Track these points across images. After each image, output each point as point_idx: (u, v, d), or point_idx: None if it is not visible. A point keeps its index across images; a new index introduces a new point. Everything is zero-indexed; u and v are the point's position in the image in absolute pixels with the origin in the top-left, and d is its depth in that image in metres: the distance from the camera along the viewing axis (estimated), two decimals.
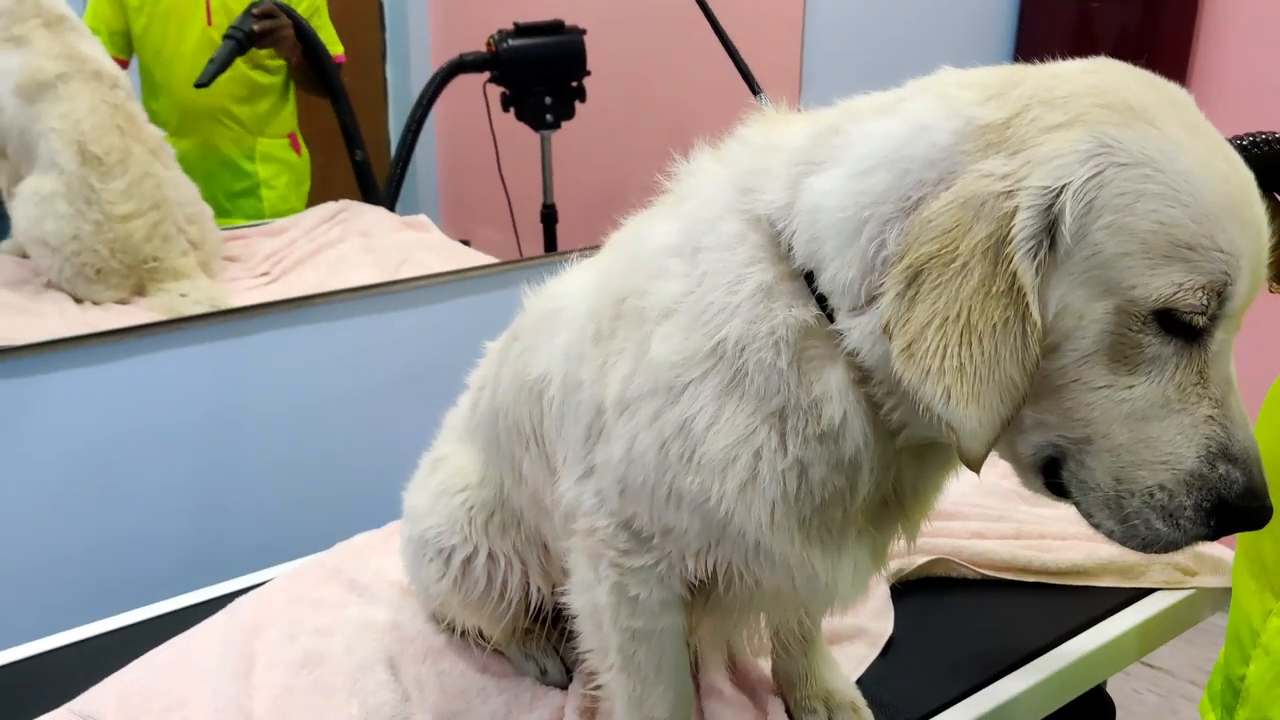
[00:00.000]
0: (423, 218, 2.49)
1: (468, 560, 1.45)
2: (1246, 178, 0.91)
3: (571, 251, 1.35)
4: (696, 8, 2.38)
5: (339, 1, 2.33)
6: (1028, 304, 0.86)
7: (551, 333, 1.26)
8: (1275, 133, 1.30)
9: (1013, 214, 0.86)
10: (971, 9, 3.12)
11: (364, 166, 2.43)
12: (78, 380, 1.92)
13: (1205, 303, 0.86)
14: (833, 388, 1.00)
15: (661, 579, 1.17)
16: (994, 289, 0.87)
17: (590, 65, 2.51)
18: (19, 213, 2.00)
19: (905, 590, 1.66)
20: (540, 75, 2.49)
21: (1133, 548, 0.94)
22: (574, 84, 2.52)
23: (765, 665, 1.49)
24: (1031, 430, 0.94)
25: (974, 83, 0.95)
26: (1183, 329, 0.88)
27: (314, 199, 2.42)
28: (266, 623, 1.62)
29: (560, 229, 2.61)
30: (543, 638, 1.51)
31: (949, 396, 0.88)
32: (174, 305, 2.06)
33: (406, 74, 2.49)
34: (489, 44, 2.43)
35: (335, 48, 2.34)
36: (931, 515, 1.20)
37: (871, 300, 0.94)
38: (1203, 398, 0.90)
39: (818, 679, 1.42)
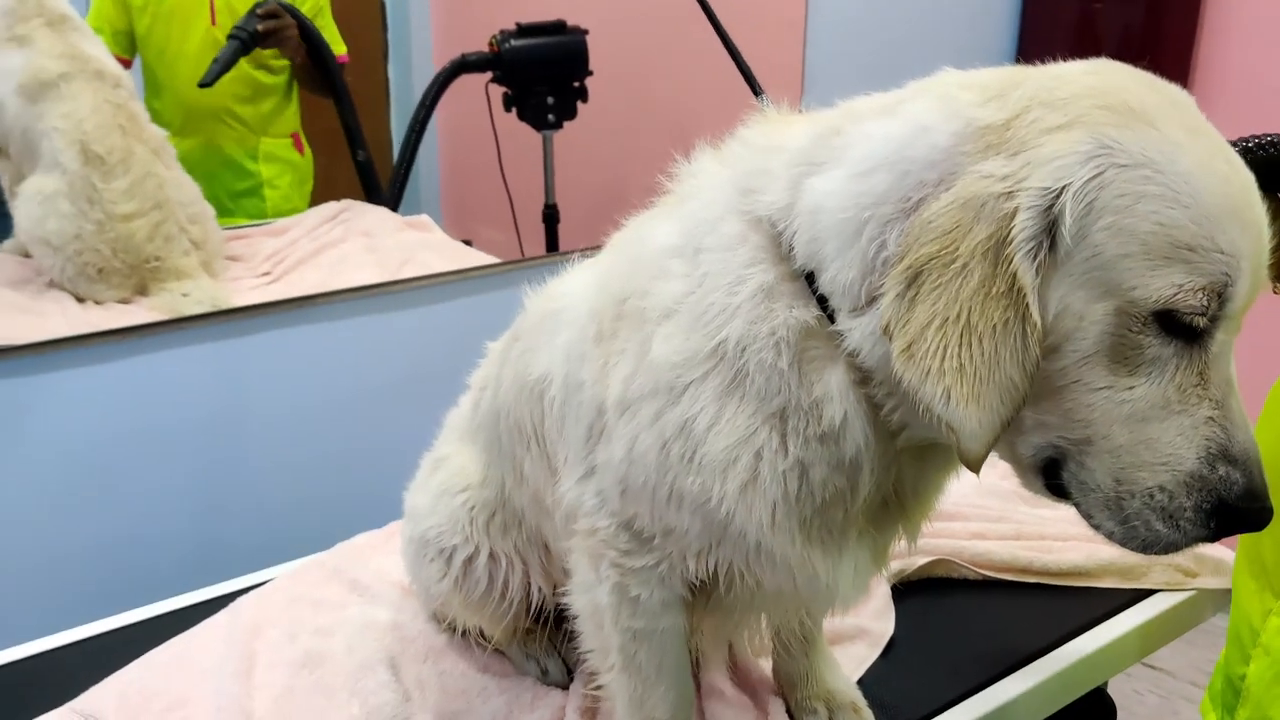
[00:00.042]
0: (425, 218, 2.49)
1: (469, 560, 1.45)
2: (1247, 179, 0.91)
3: (573, 252, 1.35)
4: (698, 8, 2.38)
5: (341, 1, 2.33)
6: (1028, 305, 0.86)
7: (553, 333, 1.26)
8: (1278, 135, 1.30)
9: (1013, 215, 0.86)
10: (974, 9, 3.12)
11: (367, 166, 2.43)
12: (80, 379, 1.93)
13: (1205, 304, 0.86)
14: (833, 388, 1.00)
15: (662, 579, 1.17)
16: (994, 290, 0.87)
17: (592, 65, 2.51)
18: (21, 212, 2.00)
19: (906, 591, 1.66)
20: (542, 75, 2.49)
21: (1133, 549, 0.94)
22: (576, 84, 2.52)
23: (766, 665, 1.49)
24: (1032, 431, 0.94)
25: (974, 84, 0.95)
26: (1183, 330, 0.88)
27: (317, 199, 2.42)
28: (267, 622, 1.62)
29: (562, 229, 2.61)
30: (544, 638, 1.51)
31: (949, 397, 0.88)
32: (176, 305, 2.06)
33: (408, 74, 2.49)
34: (491, 44, 2.43)
35: (339, 47, 2.34)
36: (932, 516, 1.20)
37: (872, 301, 0.94)
38: (1203, 399, 0.90)
39: (819, 679, 1.42)
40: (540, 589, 1.45)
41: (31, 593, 1.92)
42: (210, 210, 2.19)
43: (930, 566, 1.69)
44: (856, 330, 0.96)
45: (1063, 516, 1.58)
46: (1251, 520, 0.92)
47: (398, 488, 1.60)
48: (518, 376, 1.33)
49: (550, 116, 2.51)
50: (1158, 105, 0.89)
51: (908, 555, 1.52)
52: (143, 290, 2.08)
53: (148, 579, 1.93)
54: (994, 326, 0.87)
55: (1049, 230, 0.87)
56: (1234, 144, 1.24)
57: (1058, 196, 0.86)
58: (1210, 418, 0.90)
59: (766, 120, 1.12)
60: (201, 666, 1.53)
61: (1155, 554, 0.94)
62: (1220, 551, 1.66)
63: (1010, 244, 0.86)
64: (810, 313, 1.00)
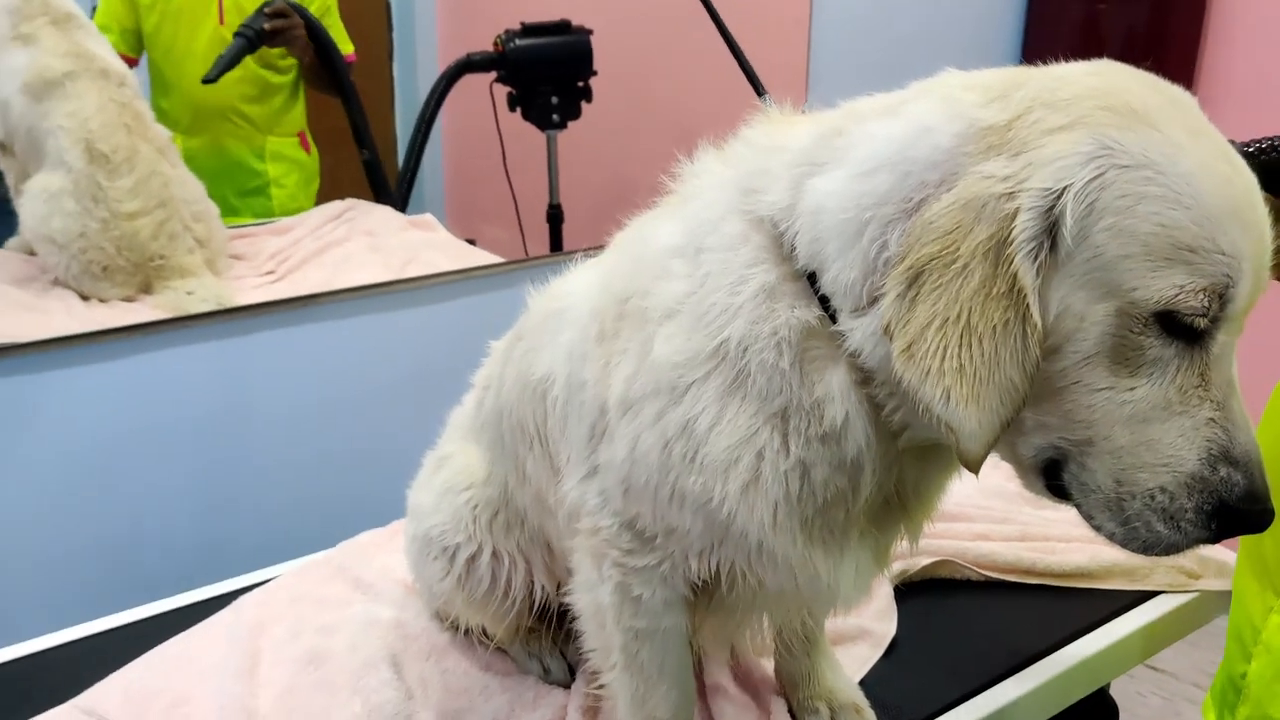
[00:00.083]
0: (428, 217, 2.50)
1: (472, 558, 1.45)
2: (1249, 180, 0.91)
3: (577, 251, 1.36)
4: (702, 8, 2.38)
5: (347, 1, 2.34)
6: (1028, 306, 0.86)
7: (555, 332, 1.26)
8: None
9: (1014, 216, 0.86)
10: (978, 10, 3.12)
11: (374, 165, 2.43)
12: (84, 377, 1.93)
13: (1206, 305, 0.86)
14: (835, 389, 1.00)
15: (665, 579, 1.17)
16: (994, 290, 0.87)
17: (596, 65, 2.51)
18: (26, 210, 2.01)
19: (909, 591, 1.66)
20: (547, 75, 2.50)
21: (1134, 550, 0.94)
22: (580, 84, 2.52)
23: (768, 665, 1.49)
24: (1032, 432, 0.94)
25: (977, 84, 0.95)
26: (1184, 331, 0.88)
27: (323, 198, 2.42)
28: (271, 620, 1.62)
29: (566, 229, 2.61)
30: (546, 637, 1.51)
31: (948, 397, 0.88)
32: (180, 303, 2.07)
33: (413, 74, 2.50)
34: (496, 44, 2.43)
35: (346, 47, 2.35)
36: (934, 516, 1.20)
37: (873, 301, 0.94)
38: (1204, 400, 0.90)
39: (821, 679, 1.42)
40: (543, 588, 1.46)
41: (35, 589, 1.93)
42: (214, 209, 2.20)
43: (933, 567, 1.69)
44: (858, 330, 0.96)
45: (1066, 518, 1.57)
46: (1252, 522, 0.92)
47: (401, 486, 1.60)
48: (521, 376, 1.33)
49: (554, 116, 2.52)
50: (1160, 106, 0.89)
51: (910, 556, 1.53)
52: (147, 288, 2.08)
53: (151, 576, 1.93)
54: (994, 327, 0.87)
55: (1050, 231, 0.87)
56: (1240, 147, 1.24)
57: (1059, 197, 0.86)
58: (1211, 419, 0.90)
59: (769, 120, 1.12)
60: (205, 664, 1.53)
61: (1156, 555, 0.94)
62: (1223, 553, 1.66)
63: (1011, 244, 0.86)
64: (812, 313, 1.00)
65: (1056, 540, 1.73)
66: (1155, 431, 0.90)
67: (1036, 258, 0.87)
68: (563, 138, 2.54)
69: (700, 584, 1.18)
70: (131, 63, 2.14)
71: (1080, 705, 1.56)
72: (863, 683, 1.47)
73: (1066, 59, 0.98)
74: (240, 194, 2.33)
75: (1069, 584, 1.67)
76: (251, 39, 2.20)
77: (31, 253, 2.04)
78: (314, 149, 2.41)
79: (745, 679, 1.49)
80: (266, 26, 2.21)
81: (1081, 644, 1.55)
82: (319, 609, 1.65)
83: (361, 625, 1.60)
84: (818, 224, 0.98)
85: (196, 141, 2.24)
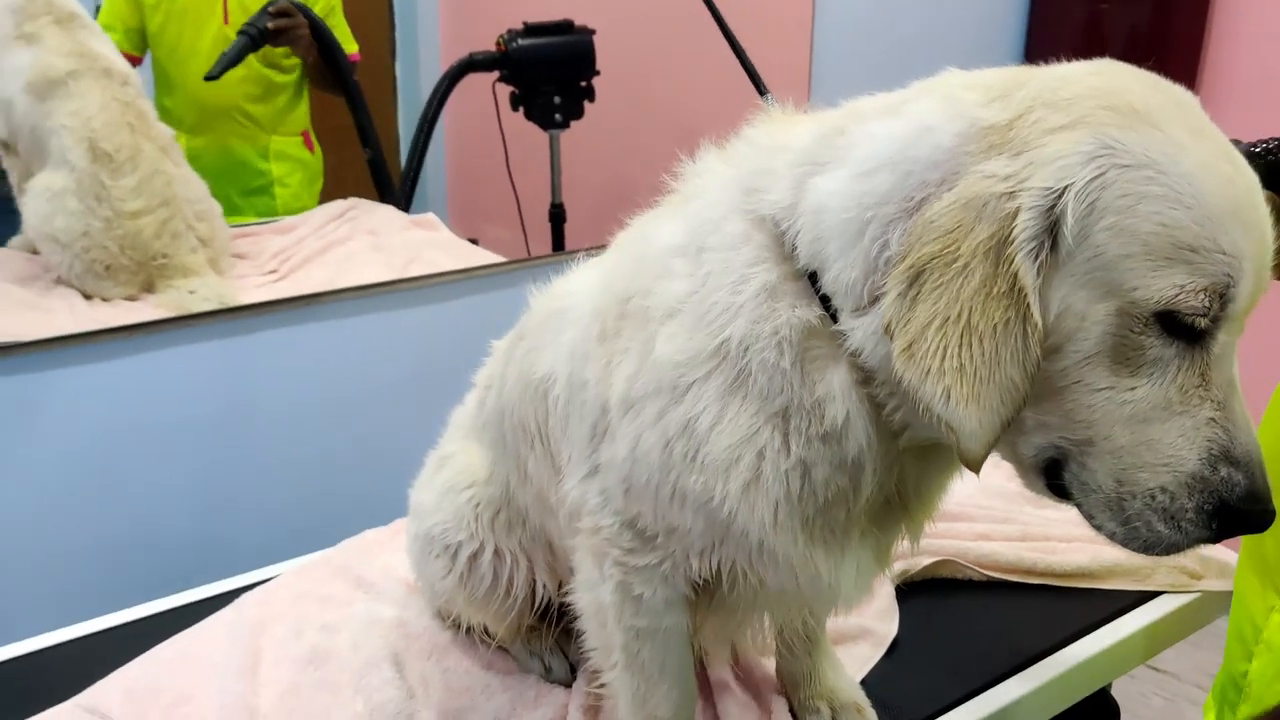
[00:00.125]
0: (431, 216, 2.50)
1: (474, 557, 1.45)
2: (1251, 180, 0.91)
3: (579, 251, 1.36)
4: (705, 9, 2.38)
5: (350, 1, 2.34)
6: (1029, 305, 0.86)
7: (557, 332, 1.26)
8: None
9: (1014, 215, 0.86)
10: (981, 10, 3.12)
11: (378, 165, 2.43)
12: (86, 376, 1.93)
13: (1207, 305, 0.86)
14: (835, 388, 1.00)
15: (666, 578, 1.17)
16: (995, 290, 0.87)
17: (599, 65, 2.51)
18: (30, 209, 2.01)
19: (910, 591, 1.66)
20: (549, 75, 2.50)
21: (1134, 549, 0.94)
22: (583, 84, 2.52)
23: (769, 665, 1.49)
24: (1033, 431, 0.94)
25: (978, 84, 0.95)
26: (1185, 331, 0.88)
27: (326, 197, 2.43)
28: (273, 619, 1.63)
29: (568, 228, 2.61)
30: (548, 635, 1.51)
31: (949, 397, 0.88)
32: (182, 302, 2.07)
33: (416, 73, 2.50)
34: (499, 43, 2.43)
35: (350, 46, 2.35)
36: (935, 516, 1.20)
37: (874, 301, 0.94)
38: (1205, 400, 0.90)
39: (822, 679, 1.42)
40: (544, 586, 1.46)
41: (38, 588, 1.93)
42: (217, 208, 2.20)
43: (935, 567, 1.69)
44: (859, 330, 0.96)
45: (1067, 518, 1.56)
46: (1253, 522, 0.92)
47: (403, 485, 1.60)
48: (522, 375, 1.33)
49: (557, 116, 2.52)
50: (1161, 106, 0.89)
51: (911, 555, 1.52)
52: (150, 287, 2.09)
53: (154, 575, 1.93)
54: (995, 326, 0.87)
55: (1051, 230, 0.87)
56: (1245, 148, 1.24)
57: (1059, 197, 0.86)
58: (1212, 419, 0.90)
59: (771, 120, 1.12)
60: (207, 662, 1.53)
61: (1157, 555, 0.94)
62: (1225, 554, 1.66)
63: (1012, 244, 0.86)
64: (813, 312, 1.00)
65: (1058, 540, 1.73)
66: (1156, 431, 0.90)
67: (1037, 257, 0.87)
68: (565, 137, 2.54)
69: (701, 583, 1.18)
70: (135, 61, 2.14)
71: (1082, 706, 1.56)
72: (864, 682, 1.47)
73: (1069, 59, 0.98)
74: (244, 193, 2.33)
75: (1070, 584, 1.67)
76: (255, 37, 2.20)
77: (34, 251, 2.04)
78: (318, 148, 2.41)
79: (746, 678, 1.49)
80: (270, 25, 2.21)
81: (1083, 644, 1.55)
82: (321, 608, 1.65)
83: (363, 624, 1.60)
84: (819, 223, 0.98)
85: (200, 141, 2.24)
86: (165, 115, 2.16)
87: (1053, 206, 0.86)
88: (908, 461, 1.07)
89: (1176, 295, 0.86)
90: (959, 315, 0.87)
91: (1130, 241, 0.86)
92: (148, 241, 2.06)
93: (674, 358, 1.04)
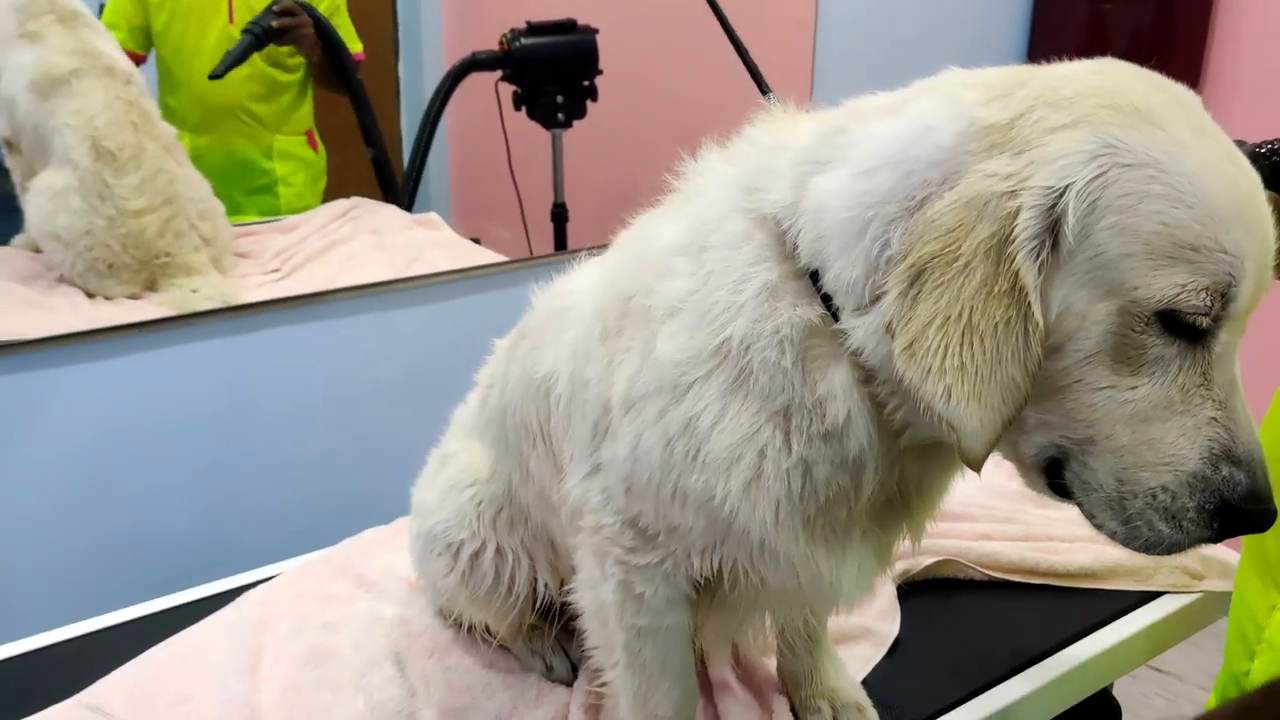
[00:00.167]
0: (433, 215, 2.50)
1: (476, 555, 1.45)
2: (1253, 180, 0.90)
3: (581, 250, 1.36)
4: (708, 8, 2.38)
5: (353, 0, 2.34)
6: (1030, 304, 0.86)
7: (559, 331, 1.26)
8: None
9: (1016, 214, 0.86)
10: (984, 10, 3.12)
11: (383, 164, 2.44)
12: (89, 375, 1.94)
13: (1209, 304, 0.86)
14: (837, 387, 1.00)
15: (667, 577, 1.17)
16: (996, 289, 0.87)
17: (602, 65, 2.51)
18: (32, 207, 2.01)
19: (912, 591, 1.66)
20: (552, 74, 2.50)
21: (1135, 549, 0.94)
22: (586, 83, 2.52)
23: (771, 664, 1.49)
24: (1034, 430, 0.94)
25: (979, 83, 0.95)
26: (1186, 330, 0.88)
27: (329, 196, 2.43)
28: (274, 617, 1.63)
29: (571, 227, 2.62)
30: (549, 634, 1.52)
31: (950, 396, 0.88)
32: (185, 301, 2.07)
33: (419, 72, 2.50)
34: (501, 43, 2.43)
35: (354, 45, 2.35)
36: (937, 515, 1.20)
37: (875, 299, 0.94)
38: (1206, 399, 0.90)
39: (823, 678, 1.42)
40: (546, 584, 1.46)
41: (39, 586, 1.93)
42: (220, 206, 2.20)
43: (936, 567, 1.69)
44: (860, 329, 0.96)
45: (1069, 518, 1.56)
46: (1255, 521, 0.92)
47: (405, 484, 1.60)
48: (524, 374, 1.33)
49: (560, 115, 2.52)
50: (1163, 105, 0.89)
51: (913, 555, 1.52)
52: (152, 286, 2.09)
53: (155, 573, 1.94)
54: (996, 325, 0.87)
55: (1052, 229, 0.86)
56: (1250, 148, 1.24)
57: (1060, 196, 0.86)
58: (1213, 418, 0.90)
59: (773, 119, 1.12)
60: (208, 661, 1.53)
61: (1158, 554, 0.94)
62: (1227, 554, 1.66)
63: (1013, 243, 0.86)
64: (814, 311, 1.00)
65: (1060, 540, 1.73)
66: (1157, 430, 0.90)
67: (1038, 256, 0.86)
68: (568, 137, 2.54)
69: (702, 582, 1.18)
70: (139, 60, 2.15)
71: (1083, 706, 1.56)
72: (865, 682, 1.47)
73: (1071, 59, 0.98)
74: (248, 192, 2.34)
75: (1072, 584, 1.67)
76: (259, 36, 2.21)
77: (37, 250, 2.04)
78: (321, 147, 2.41)
79: (748, 677, 1.49)
80: (275, 24, 2.22)
81: (1085, 644, 1.55)
82: (322, 606, 1.65)
83: (364, 623, 1.60)
84: (820, 222, 0.98)
85: (204, 139, 2.25)
86: (169, 114, 2.16)
87: (1054, 205, 0.86)
88: (909, 460, 1.07)
89: (1178, 294, 0.86)
90: (960, 314, 0.87)
91: (1132, 240, 0.86)
92: (150, 240, 2.06)
93: (675, 356, 1.04)
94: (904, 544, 1.19)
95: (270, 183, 2.35)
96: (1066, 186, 0.86)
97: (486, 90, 2.48)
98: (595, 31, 2.50)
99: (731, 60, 2.38)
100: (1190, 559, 1.67)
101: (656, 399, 1.06)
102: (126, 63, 2.06)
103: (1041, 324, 0.87)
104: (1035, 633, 1.56)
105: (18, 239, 2.06)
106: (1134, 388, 0.89)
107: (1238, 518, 0.91)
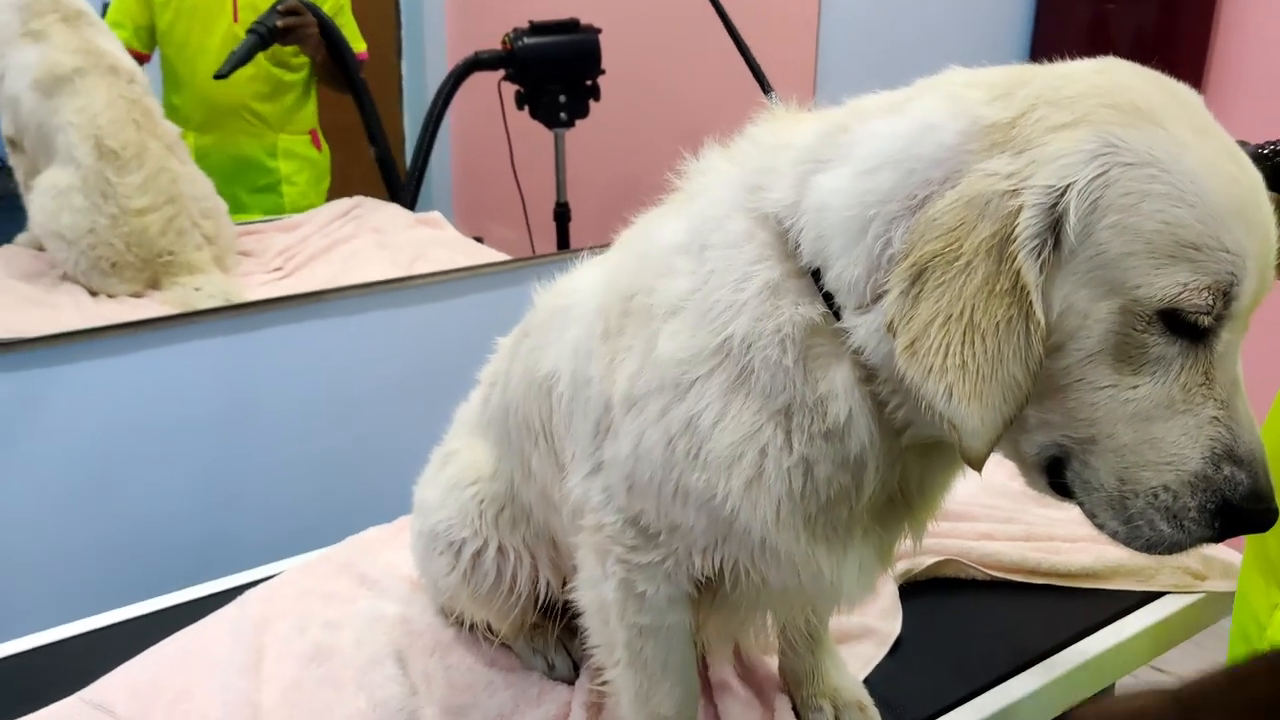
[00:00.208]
0: (436, 214, 2.50)
1: (478, 553, 1.45)
2: (1255, 178, 0.90)
3: (583, 249, 1.36)
4: (711, 8, 2.38)
5: None
6: (1031, 303, 0.86)
7: (561, 329, 1.26)
8: None
9: (1017, 213, 0.86)
10: (987, 10, 3.12)
11: (387, 163, 2.44)
12: (91, 373, 1.94)
13: (1210, 303, 0.86)
14: (838, 385, 1.00)
15: (668, 575, 1.17)
16: (997, 287, 0.87)
17: (605, 64, 2.51)
18: (36, 206, 2.02)
19: (914, 590, 1.66)
20: (555, 74, 2.50)
21: (1136, 549, 0.94)
22: (588, 82, 2.52)
23: (772, 663, 1.49)
24: (1036, 430, 0.94)
25: (981, 82, 0.95)
26: (1188, 329, 0.88)
27: (333, 195, 2.43)
28: (276, 615, 1.63)
29: (573, 227, 2.61)
30: (551, 632, 1.52)
31: (951, 394, 0.88)
32: (188, 299, 2.08)
33: (422, 72, 2.50)
34: (504, 42, 2.43)
35: (358, 45, 2.35)
36: (938, 515, 1.20)
37: (877, 298, 0.94)
38: (1208, 399, 0.90)
39: (825, 677, 1.42)
40: (548, 583, 1.46)
41: (42, 583, 1.94)
42: (223, 205, 2.20)
43: (938, 566, 1.69)
44: (861, 327, 0.96)
45: (1071, 518, 1.56)
46: (1256, 521, 0.91)
47: (407, 482, 1.60)
48: (527, 372, 1.34)
49: (562, 115, 2.51)
50: (1165, 104, 0.89)
51: (915, 554, 1.52)
52: (155, 284, 2.09)
53: (157, 571, 1.94)
54: (997, 324, 0.87)
55: (1053, 228, 0.86)
56: (1251, 151, 1.24)
57: (1062, 195, 0.86)
58: (1215, 417, 0.90)
59: (775, 118, 1.12)
60: (210, 658, 1.53)
61: (1159, 554, 0.94)
62: (1229, 554, 1.66)
63: (1014, 242, 0.86)
64: (816, 310, 1.00)
65: (1062, 540, 1.73)
66: (1158, 430, 0.90)
67: (1040, 255, 0.86)
68: (570, 136, 2.54)
69: (704, 581, 1.19)
70: (144, 59, 2.15)
71: None
72: (867, 681, 1.47)
73: (1074, 58, 0.98)
74: (252, 191, 2.34)
75: (1074, 584, 1.67)
76: (264, 36, 2.21)
77: (40, 248, 2.05)
78: (325, 146, 2.41)
79: (749, 676, 1.49)
80: (280, 24, 2.22)
81: (1086, 644, 1.55)
82: (324, 604, 1.65)
83: (366, 621, 1.60)
84: (822, 221, 0.98)
85: (209, 138, 2.25)
86: (173, 113, 2.16)
87: (1055, 204, 0.86)
88: (910, 459, 1.07)
89: (1180, 294, 0.85)
90: (961, 313, 0.87)
91: (1133, 239, 0.86)
92: (153, 239, 2.06)
93: (677, 355, 1.05)
94: (905, 543, 1.19)
95: (274, 182, 2.35)
96: (1068, 185, 0.86)
97: (489, 90, 2.48)
98: (598, 31, 2.50)
99: (734, 60, 2.38)
100: (1192, 559, 1.67)
101: (658, 397, 1.06)
102: (129, 61, 2.06)
103: (1043, 323, 0.87)
104: (1037, 633, 1.56)
105: (21, 237, 2.06)
106: (1135, 387, 0.89)
107: (1239, 517, 0.91)
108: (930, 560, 1.68)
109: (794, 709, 1.44)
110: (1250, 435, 0.91)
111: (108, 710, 1.43)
